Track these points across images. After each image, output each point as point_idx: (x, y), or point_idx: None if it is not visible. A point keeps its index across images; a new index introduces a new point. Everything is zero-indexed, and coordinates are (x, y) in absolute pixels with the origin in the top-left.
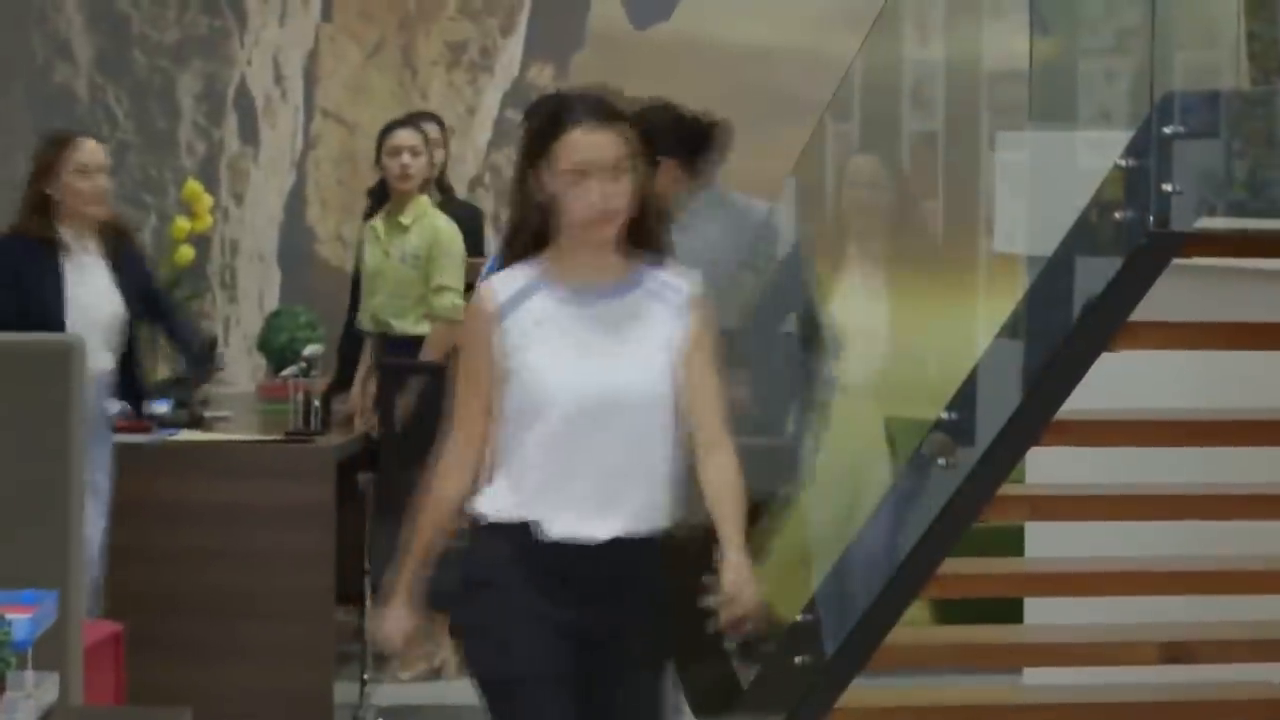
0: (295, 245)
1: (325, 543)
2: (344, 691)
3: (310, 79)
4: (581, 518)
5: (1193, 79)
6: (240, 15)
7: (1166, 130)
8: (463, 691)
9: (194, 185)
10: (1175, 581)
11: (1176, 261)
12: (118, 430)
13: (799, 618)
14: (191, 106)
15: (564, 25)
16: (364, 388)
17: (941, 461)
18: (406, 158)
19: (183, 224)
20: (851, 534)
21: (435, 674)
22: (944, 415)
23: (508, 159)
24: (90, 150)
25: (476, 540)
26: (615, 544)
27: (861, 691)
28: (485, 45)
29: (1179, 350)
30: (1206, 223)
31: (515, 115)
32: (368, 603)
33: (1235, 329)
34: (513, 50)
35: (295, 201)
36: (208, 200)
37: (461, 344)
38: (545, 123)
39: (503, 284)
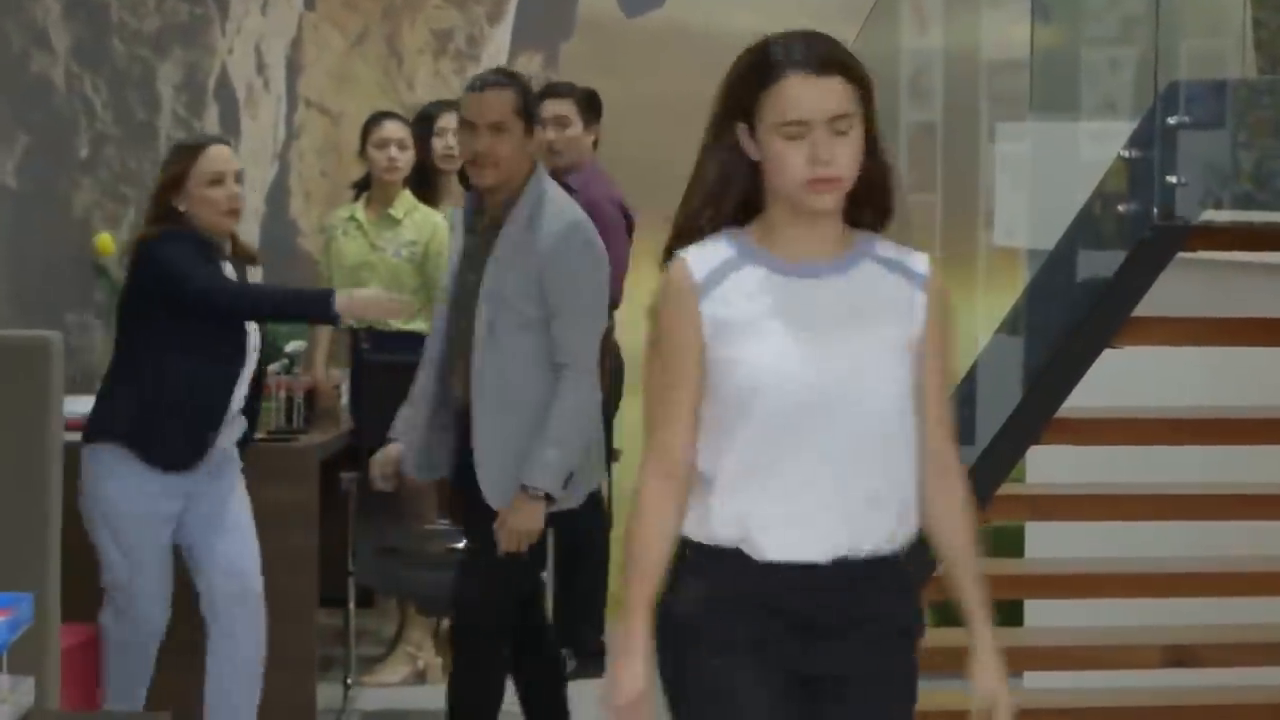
0: (278, 238)
1: (308, 544)
2: (327, 695)
3: (293, 68)
4: (804, 535)
5: (1198, 68)
6: (221, 3)
7: (1171, 120)
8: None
9: None
10: (1179, 584)
11: (1181, 255)
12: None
13: None
14: (171, 96)
15: (553, 13)
16: (325, 371)
17: None
18: (394, 150)
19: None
20: None
21: (420, 678)
22: None
23: None
24: (222, 157)
25: (676, 575)
26: (845, 566)
27: None
28: (472, 33)
29: (1183, 346)
30: (1212, 215)
31: None
32: (351, 605)
33: (1241, 324)
34: (500, 39)
35: (278, 193)
36: None
37: (658, 329)
38: (751, 70)
39: (699, 257)
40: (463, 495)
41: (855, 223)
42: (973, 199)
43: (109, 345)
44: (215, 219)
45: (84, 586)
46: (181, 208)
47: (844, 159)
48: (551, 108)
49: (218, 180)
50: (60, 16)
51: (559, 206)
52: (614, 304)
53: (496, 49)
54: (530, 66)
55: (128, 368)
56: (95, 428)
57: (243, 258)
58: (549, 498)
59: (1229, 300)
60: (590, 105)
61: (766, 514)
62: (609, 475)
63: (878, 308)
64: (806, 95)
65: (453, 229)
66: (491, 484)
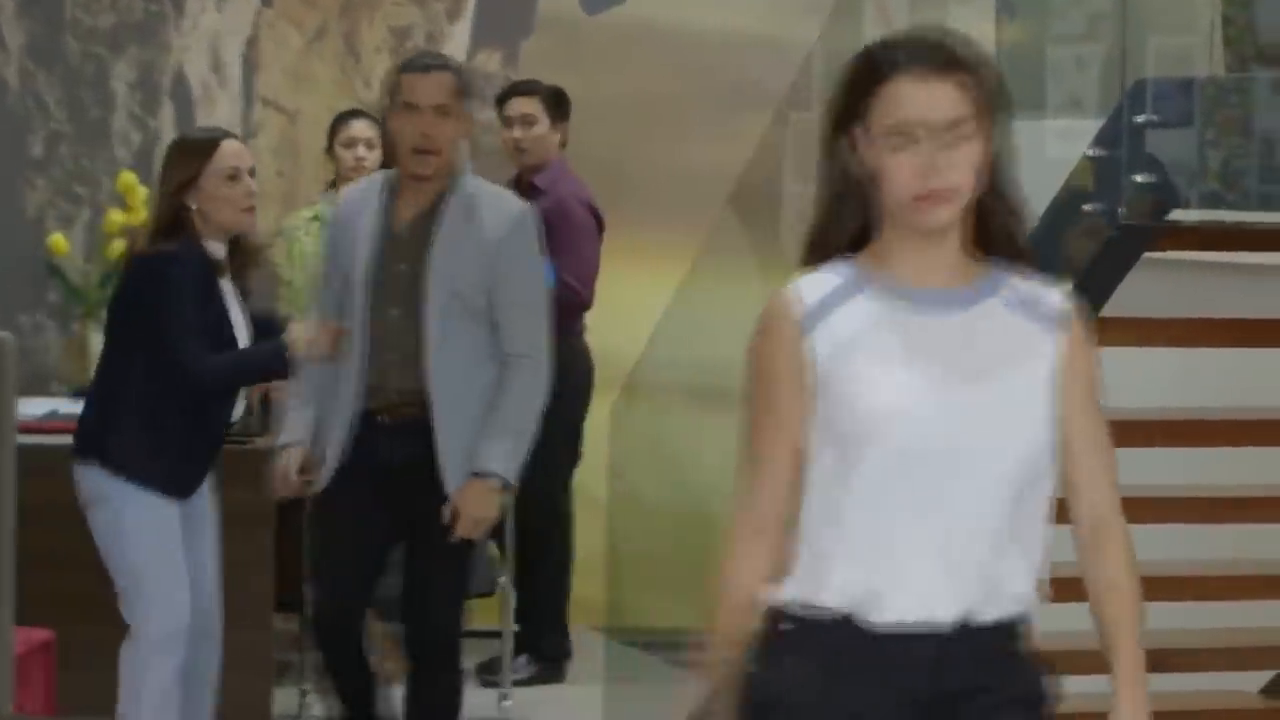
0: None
1: (264, 548)
2: (283, 700)
3: (249, 66)
4: (921, 597)
5: (1165, 66)
6: (177, 0)
7: (1138, 119)
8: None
9: (128, 177)
10: (1149, 587)
11: (1149, 255)
12: (24, 431)
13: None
14: (126, 95)
15: (513, 10)
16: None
17: None
18: (362, 150)
19: (116, 217)
20: None
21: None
22: None
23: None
24: (236, 152)
25: (770, 649)
26: (966, 634)
27: None
28: (431, 31)
29: (1152, 347)
30: (1180, 215)
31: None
32: (307, 610)
33: (1210, 325)
34: (460, 36)
35: None
36: (143, 192)
37: (754, 363)
38: (859, 72)
39: (810, 285)
40: (395, 492)
41: (985, 242)
42: None
43: (63, 346)
44: (233, 217)
45: (41, 589)
46: (194, 205)
47: (958, 170)
48: (518, 106)
49: (234, 176)
50: (14, 14)
51: (496, 194)
52: (586, 306)
53: (456, 46)
54: (490, 64)
55: (124, 388)
56: (96, 448)
57: (246, 258)
58: (505, 486)
59: (1197, 301)
60: (557, 104)
61: (880, 577)
62: (571, 478)
63: (1008, 349)
64: (916, 98)
65: (331, 222)
66: (461, 477)
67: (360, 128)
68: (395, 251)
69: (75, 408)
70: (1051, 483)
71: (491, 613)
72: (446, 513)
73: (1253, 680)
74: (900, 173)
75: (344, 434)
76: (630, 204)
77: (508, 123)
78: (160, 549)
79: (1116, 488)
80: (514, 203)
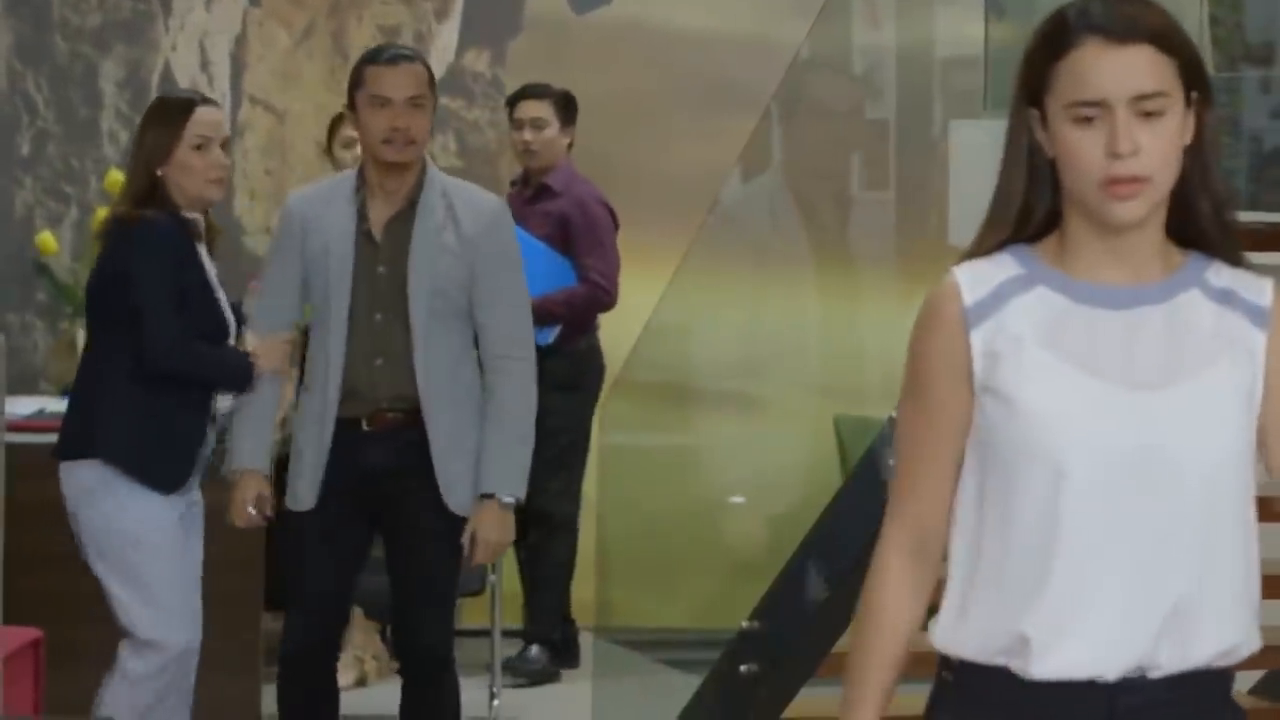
0: (222, 238)
1: (254, 547)
2: (272, 699)
3: (238, 65)
4: (1090, 647)
5: None
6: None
7: None
8: (388, 698)
9: (117, 175)
10: None
11: None
12: (12, 429)
13: (745, 624)
14: (114, 94)
15: (501, 10)
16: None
17: (892, 463)
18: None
19: (105, 215)
20: (801, 535)
21: (360, 683)
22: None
23: (443, 147)
24: (210, 120)
25: (932, 700)
26: (1135, 686)
27: (812, 700)
28: (420, 30)
29: None
30: None
31: (450, 103)
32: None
33: None
34: (448, 36)
35: None
36: None
37: (913, 365)
38: (1044, 39)
39: (974, 275)
40: (380, 500)
41: (1185, 239)
42: (927, 197)
43: (50, 345)
44: (198, 187)
45: (29, 589)
46: (159, 172)
47: (1153, 151)
48: (528, 109)
49: (201, 146)
50: (1, 13)
51: (469, 190)
52: (612, 304)
53: (444, 46)
54: (478, 64)
55: (111, 373)
56: (86, 442)
57: (209, 231)
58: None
59: None
60: (566, 106)
61: (1044, 620)
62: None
63: (1206, 351)
64: (1103, 67)
65: (286, 230)
66: (457, 486)
67: None
68: (374, 254)
69: (63, 406)
70: (1252, 496)
71: (481, 611)
72: (465, 541)
73: (1243, 680)
74: (1085, 153)
75: (321, 447)
76: (617, 204)
77: (518, 125)
78: (171, 553)
79: None
80: (489, 199)
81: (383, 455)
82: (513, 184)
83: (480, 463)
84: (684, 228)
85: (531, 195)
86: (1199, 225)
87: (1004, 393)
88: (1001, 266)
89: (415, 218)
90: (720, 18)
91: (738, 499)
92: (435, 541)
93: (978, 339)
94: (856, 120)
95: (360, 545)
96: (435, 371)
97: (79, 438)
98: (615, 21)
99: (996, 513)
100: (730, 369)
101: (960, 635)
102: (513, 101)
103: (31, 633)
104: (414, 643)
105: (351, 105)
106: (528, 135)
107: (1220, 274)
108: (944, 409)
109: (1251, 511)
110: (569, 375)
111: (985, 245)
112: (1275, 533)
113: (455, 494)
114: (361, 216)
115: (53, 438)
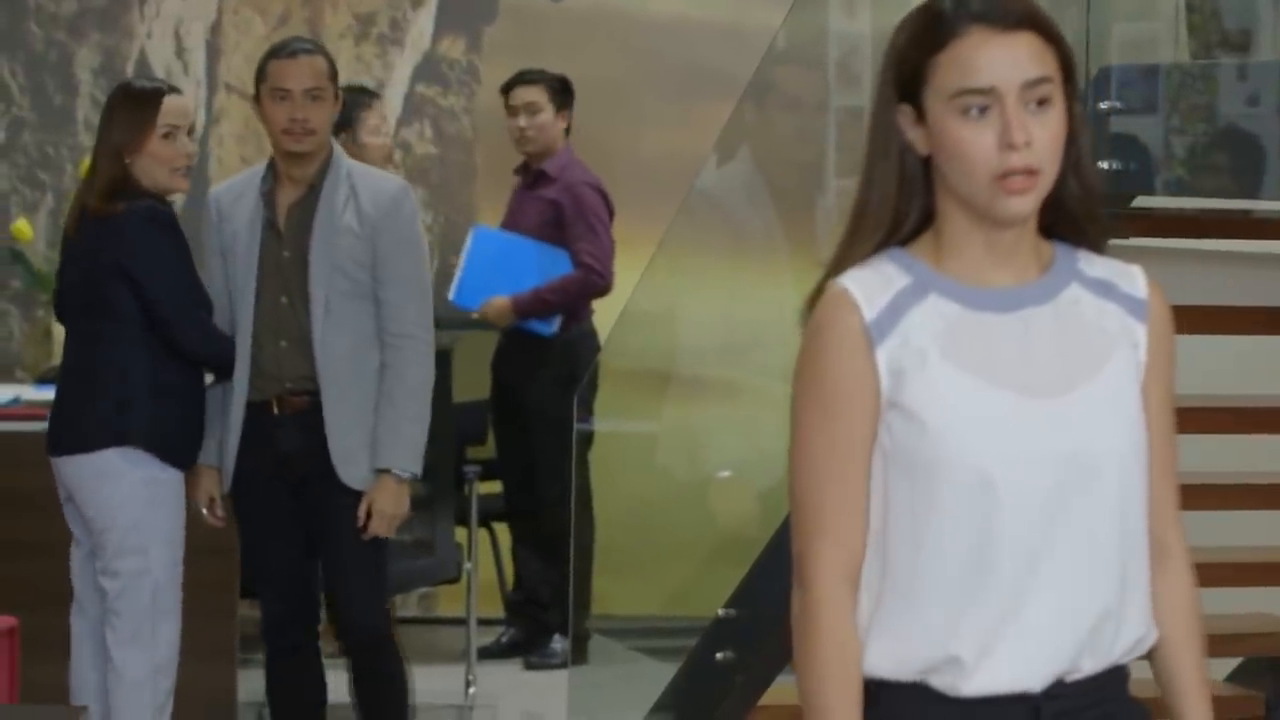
0: (197, 225)
1: (228, 533)
2: (248, 686)
3: (213, 52)
4: (1015, 661)
5: (1130, 52)
6: None
7: (1103, 105)
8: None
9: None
10: None
11: (1113, 243)
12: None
13: (721, 612)
14: (89, 81)
15: None
16: None
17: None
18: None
19: (75, 205)
20: (778, 523)
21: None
22: None
23: (419, 135)
24: (174, 109)
25: None
26: (1061, 690)
27: (788, 688)
28: (395, 17)
29: None
30: (1144, 202)
31: (426, 90)
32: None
33: (1175, 312)
34: (423, 23)
35: (198, 179)
36: None
37: (814, 382)
38: (918, 30)
39: (865, 286)
40: (295, 483)
41: (1058, 227)
42: None
43: (26, 333)
44: (165, 177)
45: (3, 576)
46: (126, 160)
47: (1043, 143)
48: (522, 94)
49: (168, 135)
50: None
51: (372, 174)
52: (608, 289)
53: (419, 33)
54: (453, 50)
55: (134, 365)
56: (118, 433)
57: None
58: (413, 478)
59: (1161, 288)
60: (562, 91)
61: (975, 637)
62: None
63: (1098, 348)
64: (991, 54)
65: (215, 219)
66: (352, 464)
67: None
68: (278, 239)
69: (39, 394)
70: (1147, 500)
71: (458, 600)
72: (361, 513)
73: (1219, 667)
74: (977, 147)
75: (236, 431)
76: None
77: (512, 111)
78: (177, 532)
79: (1178, 506)
80: (391, 182)
81: (292, 438)
82: (515, 172)
83: (375, 439)
84: (661, 213)
85: (530, 182)
86: (1071, 216)
87: (912, 409)
88: (888, 275)
89: (318, 201)
90: (696, 4)
91: (715, 486)
92: (350, 519)
93: (883, 356)
94: (832, 107)
95: (298, 515)
96: (335, 351)
97: (109, 426)
98: (591, 8)
99: (908, 530)
100: (707, 355)
101: (872, 655)
102: (507, 88)
103: (6, 620)
104: (347, 620)
105: (257, 98)
106: (522, 121)
107: (1092, 263)
108: (854, 428)
109: (1145, 497)
110: (565, 366)
111: (860, 251)
112: (1242, 520)
113: (349, 469)
114: (268, 204)
115: (29, 426)
